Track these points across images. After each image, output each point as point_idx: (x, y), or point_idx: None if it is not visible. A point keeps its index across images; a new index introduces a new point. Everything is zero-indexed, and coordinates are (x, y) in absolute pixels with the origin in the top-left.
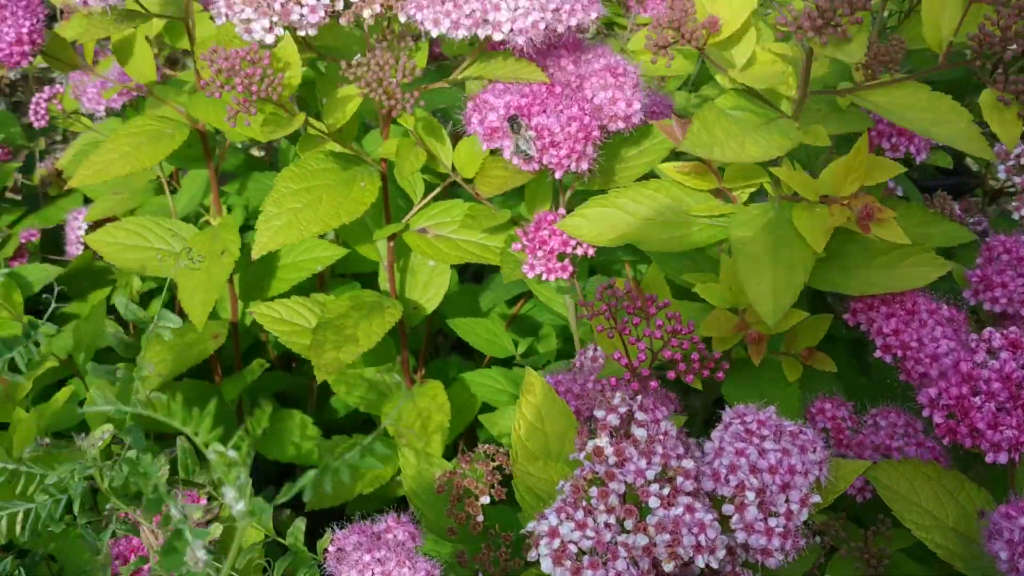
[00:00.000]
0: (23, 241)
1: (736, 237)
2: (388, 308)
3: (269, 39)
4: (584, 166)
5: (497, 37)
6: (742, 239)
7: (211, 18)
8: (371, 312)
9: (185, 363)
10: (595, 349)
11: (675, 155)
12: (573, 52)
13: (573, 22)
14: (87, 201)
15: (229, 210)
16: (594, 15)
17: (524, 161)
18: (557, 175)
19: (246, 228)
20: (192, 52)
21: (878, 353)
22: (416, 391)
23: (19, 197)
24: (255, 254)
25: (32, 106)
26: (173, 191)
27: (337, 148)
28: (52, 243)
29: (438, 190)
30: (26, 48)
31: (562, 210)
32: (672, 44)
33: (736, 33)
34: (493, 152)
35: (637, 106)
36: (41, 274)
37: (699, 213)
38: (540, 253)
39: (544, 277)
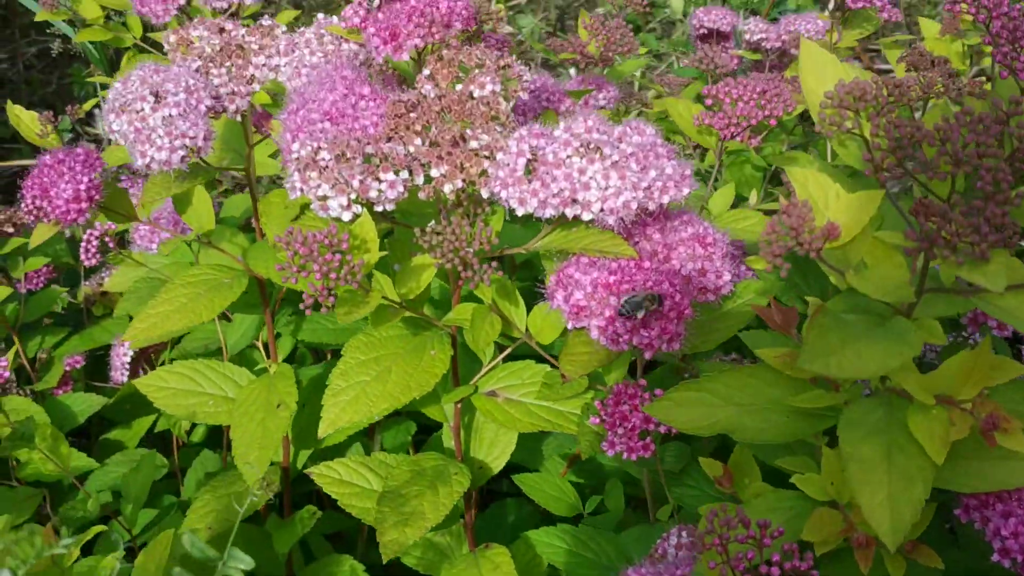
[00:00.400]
0: (67, 368)
1: (845, 439)
2: (455, 475)
3: (346, 216)
4: (676, 346)
5: (586, 217)
6: (852, 440)
7: (271, 154)
8: (436, 480)
9: (236, 514)
10: (680, 534)
11: (758, 320)
12: (659, 219)
13: (665, 200)
14: None
15: (278, 336)
16: (686, 191)
17: (612, 342)
18: (647, 356)
19: (290, 359)
20: (253, 201)
21: (995, 557)
22: (480, 557)
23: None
24: (321, 432)
25: (83, 244)
26: (224, 317)
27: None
28: (96, 366)
29: (508, 350)
30: (83, 205)
31: (642, 380)
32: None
33: (855, 238)
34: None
35: (727, 277)
36: (85, 405)
37: (800, 404)
38: (621, 430)
39: (625, 456)
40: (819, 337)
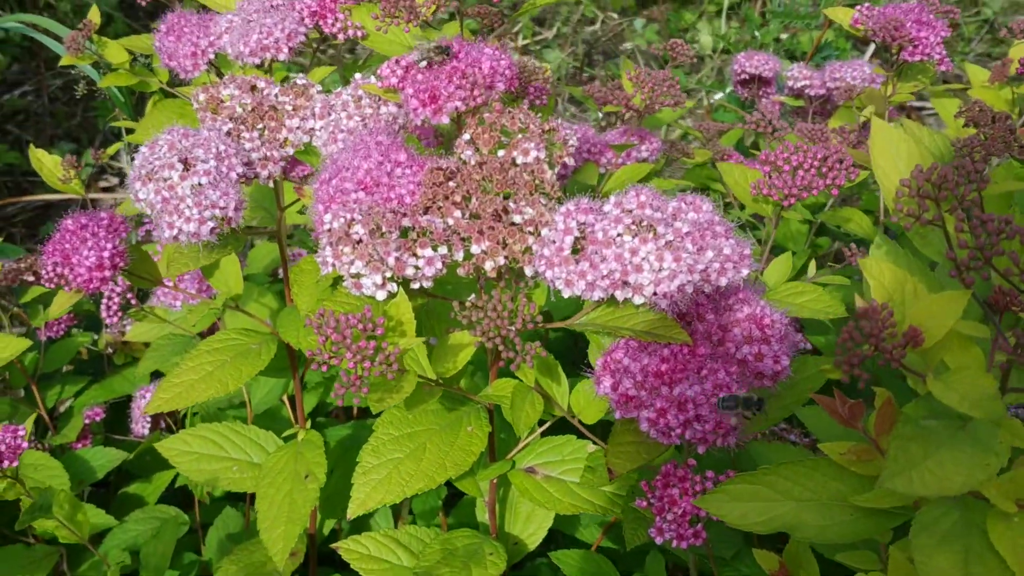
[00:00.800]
0: (87, 421)
1: (918, 546)
2: (490, 556)
3: (380, 296)
4: (731, 441)
5: (638, 301)
6: (925, 548)
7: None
8: (470, 560)
9: None
10: None
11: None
12: (712, 297)
13: (722, 282)
14: (156, 375)
15: (305, 386)
16: (745, 272)
17: (663, 435)
18: (700, 450)
19: (317, 412)
20: (284, 264)
21: None
22: None
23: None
24: (351, 514)
25: (104, 301)
26: None
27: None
28: (117, 415)
29: (547, 425)
30: (107, 274)
31: (692, 460)
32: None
33: (938, 343)
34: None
35: (785, 362)
36: (104, 459)
37: (864, 504)
38: (670, 516)
39: (675, 544)
40: (900, 449)
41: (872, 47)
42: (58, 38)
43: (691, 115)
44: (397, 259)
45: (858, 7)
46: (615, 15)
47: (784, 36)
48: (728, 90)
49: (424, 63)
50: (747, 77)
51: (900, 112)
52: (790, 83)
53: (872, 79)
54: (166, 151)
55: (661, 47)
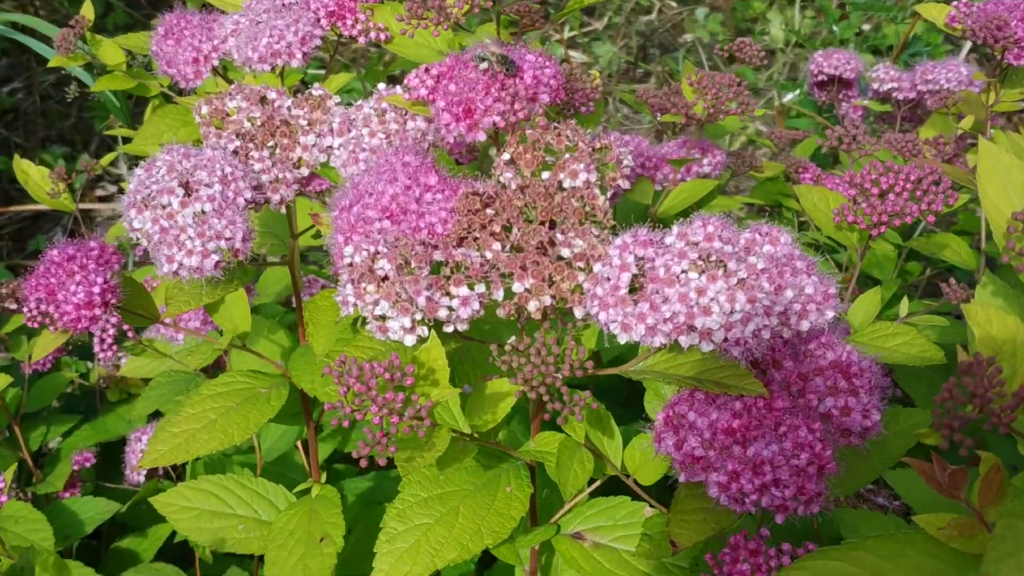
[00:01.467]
0: (76, 468)
1: None
2: None
3: (409, 340)
4: (815, 509)
5: (706, 348)
6: None
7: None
8: None
9: None
10: None
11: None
12: (790, 340)
13: (804, 326)
14: (155, 415)
15: (320, 429)
16: (831, 315)
17: (736, 502)
18: (779, 520)
19: (334, 458)
20: (297, 296)
21: None
22: None
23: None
24: None
25: (97, 335)
26: None
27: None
28: (110, 460)
29: (597, 484)
30: (97, 311)
31: (764, 530)
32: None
33: None
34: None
35: (876, 417)
36: (95, 512)
37: None
38: None
39: None
40: (1008, 528)
41: (968, 43)
42: (47, 39)
43: (761, 118)
44: (428, 299)
45: (954, 3)
46: (674, 3)
47: (866, 27)
48: (800, 89)
49: (484, 65)
50: (825, 78)
51: (1002, 119)
52: (875, 85)
53: (970, 82)
54: (165, 173)
55: (726, 46)
